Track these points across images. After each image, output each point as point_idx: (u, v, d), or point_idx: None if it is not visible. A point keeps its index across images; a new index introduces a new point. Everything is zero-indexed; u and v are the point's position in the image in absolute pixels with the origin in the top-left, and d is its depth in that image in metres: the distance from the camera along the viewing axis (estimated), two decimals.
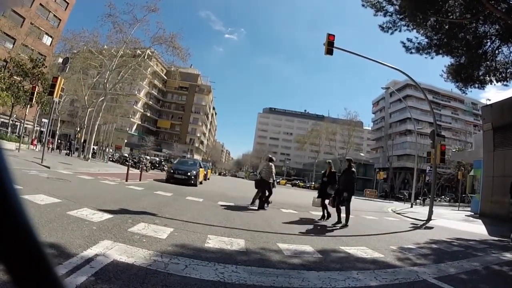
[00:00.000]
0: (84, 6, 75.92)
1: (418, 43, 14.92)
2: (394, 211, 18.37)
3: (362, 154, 72.06)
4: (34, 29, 37.44)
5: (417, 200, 29.55)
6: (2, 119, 30.51)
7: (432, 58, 14.96)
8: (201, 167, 20.09)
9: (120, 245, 4.05)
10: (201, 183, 19.52)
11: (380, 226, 10.55)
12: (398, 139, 65.57)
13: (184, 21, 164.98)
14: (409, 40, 15.08)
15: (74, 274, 2.83)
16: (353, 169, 9.27)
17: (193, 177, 16.85)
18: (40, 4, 38.38)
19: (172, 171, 17.19)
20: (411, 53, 15.11)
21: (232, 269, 3.74)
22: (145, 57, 34.59)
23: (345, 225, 8.74)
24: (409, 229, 10.73)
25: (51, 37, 40.94)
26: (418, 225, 11.97)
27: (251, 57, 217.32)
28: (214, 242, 5.00)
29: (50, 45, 40.89)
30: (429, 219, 13.22)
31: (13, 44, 35.14)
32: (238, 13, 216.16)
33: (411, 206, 23.79)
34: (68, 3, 43.36)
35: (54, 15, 41.33)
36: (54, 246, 3.55)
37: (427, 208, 18.27)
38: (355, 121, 66.49)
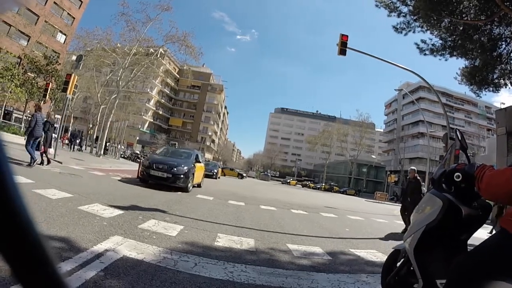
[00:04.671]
0: (97, 5, 76.87)
1: (432, 44, 14.69)
2: None
3: (373, 156, 71.52)
4: (48, 27, 38.23)
5: None
6: (16, 115, 31.04)
7: (446, 60, 14.69)
8: (199, 162, 13.66)
9: (130, 241, 4.06)
10: (199, 186, 14.17)
11: (390, 229, 10.43)
12: (410, 141, 64.80)
13: (197, 22, 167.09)
14: (423, 41, 14.87)
15: (83, 269, 2.83)
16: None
17: (181, 176, 11.03)
18: (54, 3, 39.30)
19: (148, 165, 11.20)
20: (425, 54, 14.87)
21: (241, 269, 3.72)
22: (158, 56, 34.83)
23: None
24: None
25: (65, 35, 41.74)
26: None
27: (263, 58, 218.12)
28: (223, 240, 4.99)
29: (64, 43, 41.69)
30: None
31: (28, 41, 35.80)
32: (250, 15, 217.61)
33: None
34: (82, 2, 44.22)
35: (68, 13, 42.21)
36: (65, 240, 3.57)
37: None
38: (367, 122, 66.16)
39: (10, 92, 22.80)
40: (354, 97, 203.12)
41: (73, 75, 15.86)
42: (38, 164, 9.96)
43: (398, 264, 2.89)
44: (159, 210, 6.68)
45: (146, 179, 11.28)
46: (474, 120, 67.39)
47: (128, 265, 3.19)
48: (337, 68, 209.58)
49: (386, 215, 16.57)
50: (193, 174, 12.00)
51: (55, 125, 11.39)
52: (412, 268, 2.55)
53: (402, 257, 2.85)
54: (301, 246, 5.42)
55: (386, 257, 5.64)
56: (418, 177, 9.93)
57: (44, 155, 10.59)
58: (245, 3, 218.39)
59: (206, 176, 25.42)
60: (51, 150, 11.00)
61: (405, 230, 9.28)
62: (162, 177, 10.88)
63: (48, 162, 10.69)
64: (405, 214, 9.56)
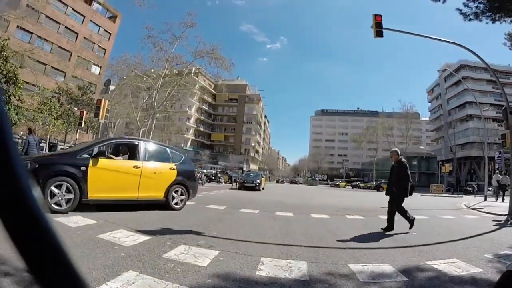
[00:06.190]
0: (125, 33, 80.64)
1: (476, 7, 13.19)
2: (469, 207, 16.38)
3: (422, 147, 67.64)
4: (81, 61, 40.24)
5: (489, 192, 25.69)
6: (60, 146, 32.40)
7: (493, 22, 13.05)
8: (106, 156, 7.82)
9: (146, 278, 3.19)
10: (166, 204, 8.49)
11: (461, 227, 8.96)
12: (459, 126, 60.07)
13: (227, 37, 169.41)
14: (466, 5, 13.37)
15: None
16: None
17: None
18: (84, 38, 41.34)
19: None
20: (470, 20, 13.36)
21: None
22: (192, 73, 35.14)
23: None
24: (494, 227, 9.07)
25: (98, 66, 43.65)
26: (502, 222, 10.26)
27: (296, 62, 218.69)
28: (267, 268, 3.91)
29: (98, 74, 43.67)
30: (511, 213, 11.20)
31: (64, 77, 37.78)
32: (277, 22, 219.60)
33: (485, 199, 21.25)
34: (110, 33, 46.47)
35: (99, 46, 44.35)
36: None
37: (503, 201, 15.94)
38: (411, 112, 62.30)
39: (52, 126, 23.73)
40: (394, 89, 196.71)
41: (103, 100, 15.79)
42: None
43: None
44: (194, 232, 5.84)
45: None
46: None
47: None
48: (372, 63, 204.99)
49: (451, 210, 14.88)
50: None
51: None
52: None
53: None
54: (366, 265, 4.27)
55: (471, 267, 4.44)
56: (403, 159, 7.67)
57: None
58: (270, 12, 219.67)
59: (247, 188, 23.84)
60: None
61: (386, 228, 7.34)
62: None
63: None
64: (392, 208, 7.44)
